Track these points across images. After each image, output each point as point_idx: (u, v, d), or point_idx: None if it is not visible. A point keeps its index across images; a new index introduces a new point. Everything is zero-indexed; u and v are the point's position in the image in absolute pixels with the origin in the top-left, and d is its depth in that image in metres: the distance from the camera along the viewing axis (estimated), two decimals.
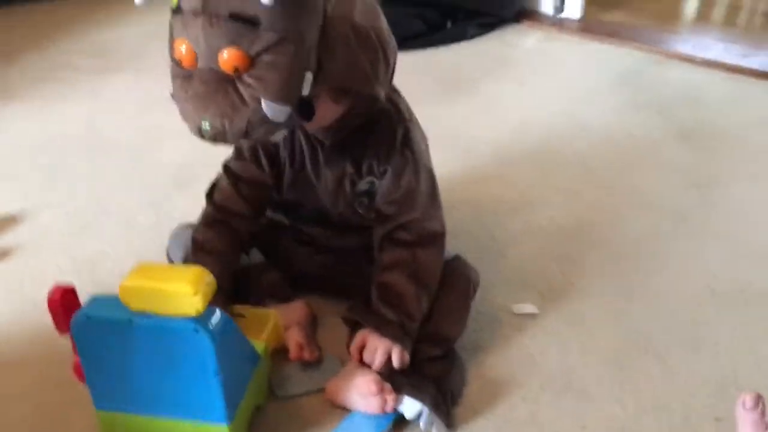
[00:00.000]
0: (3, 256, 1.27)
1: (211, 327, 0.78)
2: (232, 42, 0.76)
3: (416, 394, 0.92)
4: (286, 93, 0.79)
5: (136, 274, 0.77)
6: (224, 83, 0.78)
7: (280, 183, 1.05)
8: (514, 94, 1.89)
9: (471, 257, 1.09)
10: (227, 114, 0.78)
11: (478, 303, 1.13)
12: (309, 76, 0.81)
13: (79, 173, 1.53)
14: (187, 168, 1.54)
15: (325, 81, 0.84)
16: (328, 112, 0.91)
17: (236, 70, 0.77)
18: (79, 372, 0.86)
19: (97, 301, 0.82)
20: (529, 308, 1.14)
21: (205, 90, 0.79)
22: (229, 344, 0.83)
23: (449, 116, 1.74)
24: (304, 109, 0.83)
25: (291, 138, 1.01)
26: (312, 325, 1.08)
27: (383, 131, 0.99)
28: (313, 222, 1.10)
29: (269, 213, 1.13)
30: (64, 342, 0.99)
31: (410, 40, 2.00)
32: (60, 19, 2.41)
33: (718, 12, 2.59)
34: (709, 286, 1.19)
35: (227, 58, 0.77)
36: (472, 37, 2.22)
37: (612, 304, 1.15)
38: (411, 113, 1.03)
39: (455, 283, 1.02)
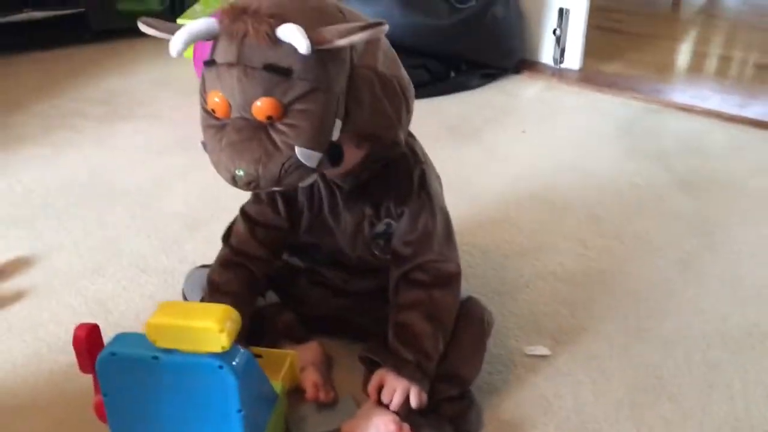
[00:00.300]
0: (17, 299, 1.28)
1: (235, 364, 0.79)
2: (267, 92, 0.79)
3: None
4: (318, 139, 0.82)
5: (161, 312, 0.79)
6: (258, 131, 0.81)
7: (296, 227, 1.07)
8: (517, 142, 1.93)
9: (482, 300, 1.11)
10: (261, 161, 0.81)
11: (491, 345, 1.14)
12: (338, 123, 0.84)
13: (91, 217, 1.55)
14: (198, 212, 1.55)
15: (353, 127, 0.87)
16: (350, 157, 0.93)
17: (269, 118, 0.80)
18: (101, 411, 0.86)
19: (121, 338, 0.83)
20: (541, 350, 1.15)
21: (239, 138, 0.81)
22: (252, 382, 0.83)
23: (456, 163, 1.77)
24: (334, 154, 0.85)
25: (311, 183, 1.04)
26: (327, 366, 1.09)
27: (400, 174, 1.01)
28: (329, 265, 1.12)
29: (285, 256, 1.14)
30: (81, 383, 0.99)
31: (416, 90, 2.04)
32: (70, 68, 2.46)
33: (711, 64, 2.66)
34: (718, 329, 1.21)
35: (261, 106, 0.80)
36: (475, 87, 2.27)
37: (623, 347, 1.17)
38: (426, 156, 1.06)
39: (470, 324, 1.03)
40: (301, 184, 0.86)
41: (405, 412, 0.94)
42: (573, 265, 1.38)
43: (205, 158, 0.86)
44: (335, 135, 0.84)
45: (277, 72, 0.79)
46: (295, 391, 1.02)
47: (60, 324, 1.21)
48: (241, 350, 0.81)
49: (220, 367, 0.78)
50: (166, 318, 0.77)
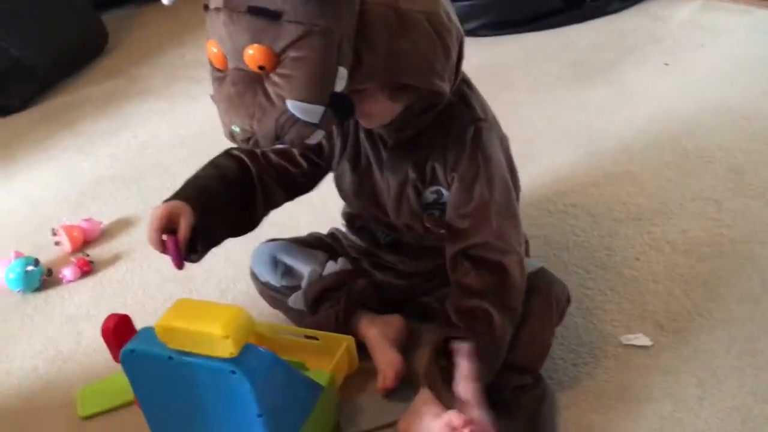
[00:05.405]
0: (113, 262, 1.32)
1: (248, 369, 0.73)
2: (254, 38, 0.73)
3: None
4: (314, 91, 0.74)
5: (172, 313, 0.75)
6: (253, 84, 0.75)
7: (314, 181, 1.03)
8: (658, 79, 1.68)
9: (580, 273, 0.96)
10: (255, 116, 0.75)
11: (581, 331, 1.01)
12: (343, 72, 0.75)
13: None
14: None
15: (369, 76, 0.78)
16: (384, 110, 0.85)
17: (262, 68, 0.73)
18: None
19: (144, 333, 0.80)
20: (641, 339, 1.00)
21: (234, 92, 0.76)
22: (275, 383, 0.78)
23: (578, 106, 1.57)
24: (340, 107, 0.77)
25: (356, 138, 0.96)
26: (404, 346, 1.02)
27: (450, 131, 0.90)
28: (385, 247, 1.06)
29: (349, 234, 1.09)
30: None
31: (542, 20, 1.84)
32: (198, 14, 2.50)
33: None
34: None
35: (252, 55, 0.73)
36: (614, 11, 2.00)
37: (746, 342, 0.97)
38: (487, 111, 0.93)
39: (535, 299, 0.91)
40: (308, 142, 0.78)
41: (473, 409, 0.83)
42: (699, 233, 1.17)
43: None
44: (339, 85, 0.75)
45: (263, 15, 0.71)
46: (355, 377, 0.96)
47: (147, 291, 1.24)
48: (260, 352, 0.76)
49: (233, 372, 0.73)
50: (174, 321, 0.73)
